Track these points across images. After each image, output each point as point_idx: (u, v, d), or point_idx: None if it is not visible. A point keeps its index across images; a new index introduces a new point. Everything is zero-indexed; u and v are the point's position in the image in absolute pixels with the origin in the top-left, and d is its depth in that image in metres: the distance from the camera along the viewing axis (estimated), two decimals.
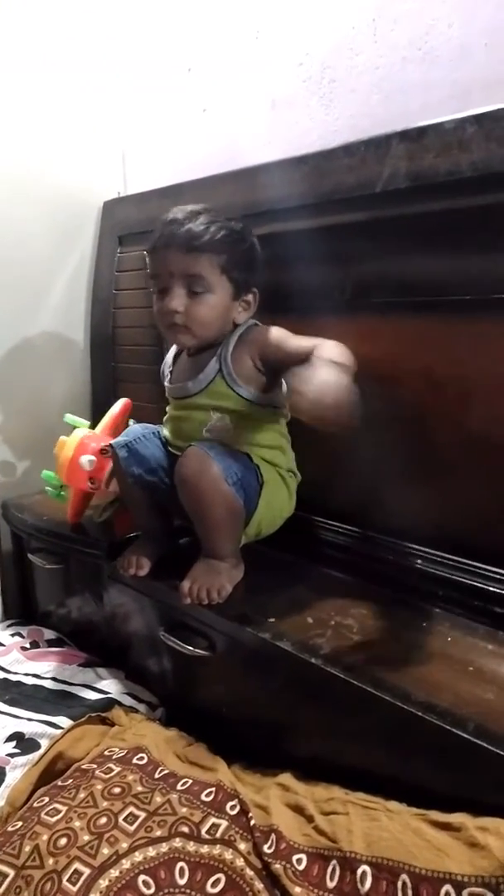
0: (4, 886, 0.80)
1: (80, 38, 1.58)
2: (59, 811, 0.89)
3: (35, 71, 1.53)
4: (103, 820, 0.86)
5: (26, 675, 1.29)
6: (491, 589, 0.97)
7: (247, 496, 1.06)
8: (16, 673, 1.30)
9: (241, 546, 1.11)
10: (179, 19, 1.50)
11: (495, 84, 1.00)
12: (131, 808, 0.88)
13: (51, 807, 0.90)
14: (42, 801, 0.92)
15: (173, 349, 1.23)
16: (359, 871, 0.72)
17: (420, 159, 0.97)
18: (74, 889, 0.77)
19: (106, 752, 1.02)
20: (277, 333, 1.07)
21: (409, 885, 0.69)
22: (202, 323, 1.07)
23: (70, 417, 1.37)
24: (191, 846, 0.82)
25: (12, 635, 1.44)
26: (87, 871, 0.79)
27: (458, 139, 0.92)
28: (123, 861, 0.80)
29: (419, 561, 1.05)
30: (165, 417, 1.20)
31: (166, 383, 1.20)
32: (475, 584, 0.98)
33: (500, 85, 0.99)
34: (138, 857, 0.81)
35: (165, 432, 1.18)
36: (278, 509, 1.14)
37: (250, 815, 0.85)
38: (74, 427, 1.35)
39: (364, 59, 1.17)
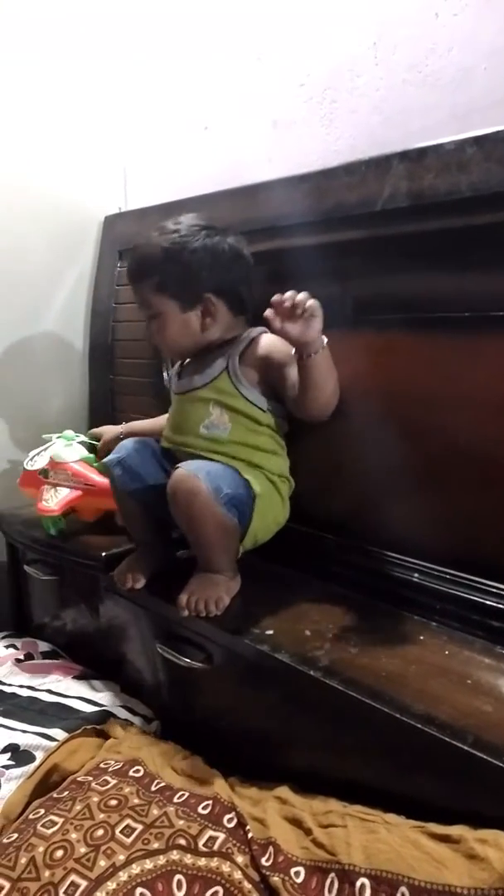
0: None
1: (83, 54, 1.61)
2: (55, 823, 0.88)
3: (38, 86, 1.55)
4: (100, 832, 0.86)
5: (21, 686, 1.28)
6: (488, 603, 0.97)
7: (240, 513, 1.07)
8: (10, 685, 1.29)
9: (239, 557, 1.12)
10: (183, 38, 1.52)
11: (494, 106, 1.02)
12: (128, 821, 0.88)
13: (47, 819, 0.89)
14: (38, 812, 0.91)
15: None
16: (357, 884, 0.72)
17: (420, 179, 0.99)
18: None
19: (101, 765, 1.01)
20: (285, 359, 1.08)
21: None
22: (164, 343, 1.16)
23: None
24: (188, 859, 0.81)
25: (6, 647, 1.43)
26: (84, 884, 0.79)
27: (457, 160, 0.94)
28: (121, 873, 0.80)
29: (416, 574, 1.05)
30: (168, 416, 1.23)
31: (173, 384, 1.23)
32: (472, 597, 0.98)
33: (499, 107, 1.01)
34: (136, 869, 0.80)
35: (165, 431, 1.20)
36: (272, 517, 1.15)
37: (248, 827, 0.84)
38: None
39: (365, 81, 1.19)
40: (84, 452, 1.41)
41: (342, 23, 1.21)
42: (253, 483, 1.10)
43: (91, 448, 1.43)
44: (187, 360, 1.23)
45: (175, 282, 1.09)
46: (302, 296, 0.95)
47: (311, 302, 0.95)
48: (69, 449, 1.40)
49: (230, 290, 1.13)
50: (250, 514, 1.10)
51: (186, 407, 1.17)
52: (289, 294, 0.96)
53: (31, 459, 1.44)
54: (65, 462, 1.37)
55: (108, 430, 1.41)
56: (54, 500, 1.34)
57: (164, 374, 1.29)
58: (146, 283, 1.11)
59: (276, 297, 0.96)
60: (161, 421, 1.28)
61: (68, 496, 1.34)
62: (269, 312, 0.97)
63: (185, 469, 1.04)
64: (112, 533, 1.34)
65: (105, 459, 1.18)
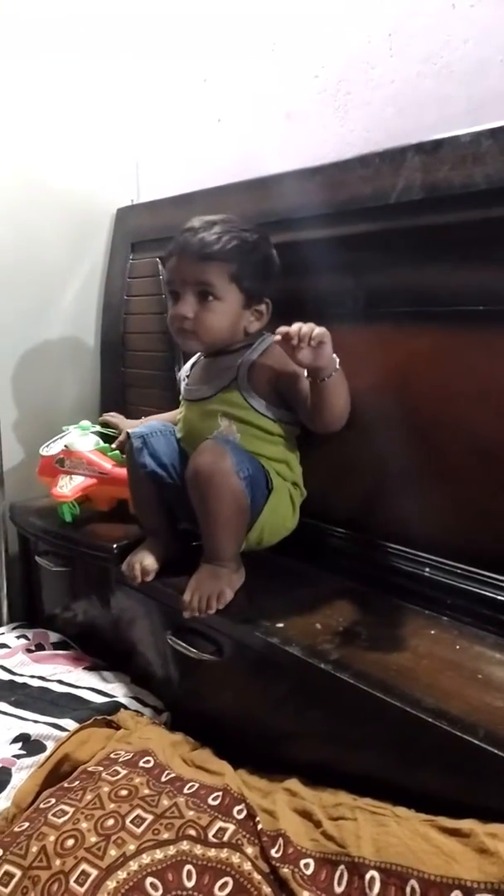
0: (11, 886, 0.80)
1: (96, 46, 1.60)
2: (65, 812, 0.89)
3: (51, 79, 1.55)
4: (110, 822, 0.86)
5: (32, 676, 1.29)
6: (500, 598, 0.97)
7: (254, 496, 1.07)
8: (21, 675, 1.30)
9: (242, 552, 1.12)
10: (196, 30, 1.52)
11: None
12: (138, 811, 0.88)
13: (57, 808, 0.90)
14: (49, 802, 0.92)
15: (194, 357, 1.25)
16: (367, 877, 0.72)
17: (435, 171, 0.98)
18: (82, 890, 0.77)
19: (112, 755, 1.02)
20: (297, 372, 1.08)
21: (417, 890, 0.69)
22: (209, 329, 1.10)
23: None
24: (198, 849, 0.82)
25: (18, 637, 1.44)
26: (94, 873, 0.79)
27: (473, 152, 0.94)
28: (131, 863, 0.80)
29: (428, 569, 1.05)
30: (177, 419, 1.22)
31: (183, 386, 1.22)
32: (484, 592, 0.98)
33: None
34: (146, 859, 0.81)
35: (178, 433, 1.20)
36: (282, 519, 1.15)
37: (257, 819, 0.85)
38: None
39: (380, 72, 1.18)
40: (99, 442, 1.42)
41: (357, 14, 1.20)
42: (272, 475, 1.11)
43: (105, 438, 1.44)
44: (196, 362, 1.23)
45: (251, 276, 1.09)
46: (307, 328, 0.95)
47: (318, 331, 0.95)
48: (84, 438, 1.42)
49: (275, 296, 1.14)
50: (263, 503, 1.10)
51: (195, 416, 1.17)
52: (293, 329, 0.95)
53: (48, 446, 1.46)
54: (79, 451, 1.38)
55: (127, 425, 1.41)
56: (68, 486, 1.36)
57: (176, 369, 1.29)
58: (217, 265, 1.07)
59: (281, 329, 0.96)
60: (177, 414, 1.28)
61: (82, 483, 1.37)
62: (279, 342, 0.98)
63: (213, 440, 1.07)
64: (125, 522, 1.34)
65: (130, 431, 1.19)
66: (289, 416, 1.14)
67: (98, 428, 1.46)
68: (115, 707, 1.17)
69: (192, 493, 1.06)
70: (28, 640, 1.44)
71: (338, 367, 1.01)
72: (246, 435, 1.11)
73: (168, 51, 1.60)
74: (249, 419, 1.12)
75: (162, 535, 1.20)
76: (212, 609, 1.03)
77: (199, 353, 1.24)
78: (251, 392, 1.12)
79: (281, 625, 0.98)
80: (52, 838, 0.84)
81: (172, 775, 0.95)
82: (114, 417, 1.46)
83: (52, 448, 1.45)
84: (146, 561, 1.16)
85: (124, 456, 1.26)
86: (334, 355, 1.00)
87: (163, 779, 0.95)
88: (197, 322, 1.09)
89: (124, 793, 0.91)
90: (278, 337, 0.97)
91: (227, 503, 1.04)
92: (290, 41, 1.33)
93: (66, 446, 1.42)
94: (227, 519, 1.06)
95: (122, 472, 1.30)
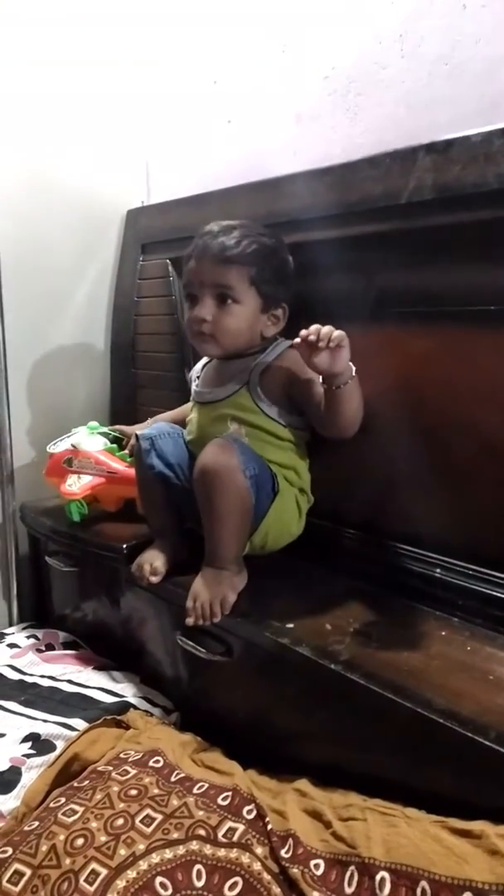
0: (21, 885, 0.81)
1: (107, 48, 1.61)
2: (75, 812, 0.89)
3: (61, 81, 1.55)
4: (120, 821, 0.86)
5: (42, 676, 1.29)
6: None
7: (258, 497, 1.07)
8: (31, 674, 1.30)
9: (246, 555, 1.12)
10: (206, 32, 1.52)
11: None
12: (148, 811, 0.88)
13: (67, 807, 0.90)
14: (58, 801, 0.92)
15: (205, 357, 1.25)
16: (377, 878, 0.72)
17: (446, 171, 0.97)
18: (91, 889, 0.77)
19: (122, 755, 1.02)
20: (312, 377, 1.08)
21: (428, 891, 0.69)
22: (228, 332, 1.10)
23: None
24: (208, 849, 0.82)
25: (27, 637, 1.45)
26: (104, 872, 0.79)
27: (484, 152, 0.93)
28: (140, 862, 0.80)
29: (439, 570, 1.05)
30: (187, 421, 1.22)
31: (193, 387, 1.22)
32: (496, 593, 0.98)
33: None
34: (155, 858, 0.81)
35: (187, 435, 1.20)
36: (287, 524, 1.15)
37: (267, 819, 0.85)
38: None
39: (390, 73, 1.18)
40: (107, 442, 1.43)
41: (368, 15, 1.20)
42: (279, 479, 1.11)
43: (114, 439, 1.44)
44: (208, 363, 1.23)
45: (270, 280, 1.10)
46: (326, 329, 0.94)
47: (337, 333, 0.95)
48: (92, 438, 1.43)
49: (288, 304, 1.15)
50: (267, 505, 1.10)
51: (205, 419, 1.17)
52: (313, 328, 0.95)
53: (54, 444, 1.47)
54: (87, 450, 1.40)
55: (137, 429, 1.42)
56: (77, 485, 1.38)
57: (186, 370, 1.30)
58: (237, 268, 1.08)
59: (302, 333, 0.96)
60: (184, 411, 1.28)
61: (91, 482, 1.38)
62: (297, 344, 0.98)
63: (222, 438, 1.06)
64: (133, 522, 1.34)
65: (139, 432, 1.19)
66: (300, 421, 1.14)
67: (105, 429, 1.47)
68: (125, 707, 1.17)
69: (198, 490, 1.06)
70: (38, 639, 1.44)
71: (353, 374, 1.01)
72: (255, 439, 1.11)
73: (178, 52, 1.60)
74: (259, 423, 1.11)
75: (170, 537, 1.20)
76: (216, 617, 1.03)
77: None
78: (262, 396, 1.12)
79: (291, 625, 0.98)
80: (61, 837, 0.84)
81: (182, 775, 0.95)
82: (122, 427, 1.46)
83: (59, 446, 1.45)
84: (155, 562, 1.16)
85: (131, 457, 1.27)
86: (350, 363, 1.00)
87: (172, 779, 0.95)
88: (215, 325, 1.09)
89: (134, 792, 0.91)
90: (298, 341, 0.96)
91: (232, 501, 1.04)
92: (301, 42, 1.33)
93: (73, 446, 1.42)
94: (230, 517, 1.05)
95: (130, 471, 1.31)
